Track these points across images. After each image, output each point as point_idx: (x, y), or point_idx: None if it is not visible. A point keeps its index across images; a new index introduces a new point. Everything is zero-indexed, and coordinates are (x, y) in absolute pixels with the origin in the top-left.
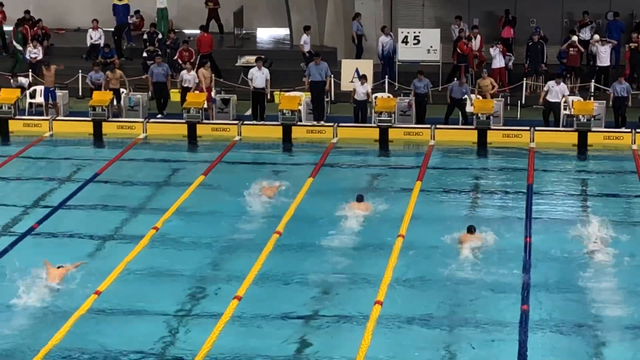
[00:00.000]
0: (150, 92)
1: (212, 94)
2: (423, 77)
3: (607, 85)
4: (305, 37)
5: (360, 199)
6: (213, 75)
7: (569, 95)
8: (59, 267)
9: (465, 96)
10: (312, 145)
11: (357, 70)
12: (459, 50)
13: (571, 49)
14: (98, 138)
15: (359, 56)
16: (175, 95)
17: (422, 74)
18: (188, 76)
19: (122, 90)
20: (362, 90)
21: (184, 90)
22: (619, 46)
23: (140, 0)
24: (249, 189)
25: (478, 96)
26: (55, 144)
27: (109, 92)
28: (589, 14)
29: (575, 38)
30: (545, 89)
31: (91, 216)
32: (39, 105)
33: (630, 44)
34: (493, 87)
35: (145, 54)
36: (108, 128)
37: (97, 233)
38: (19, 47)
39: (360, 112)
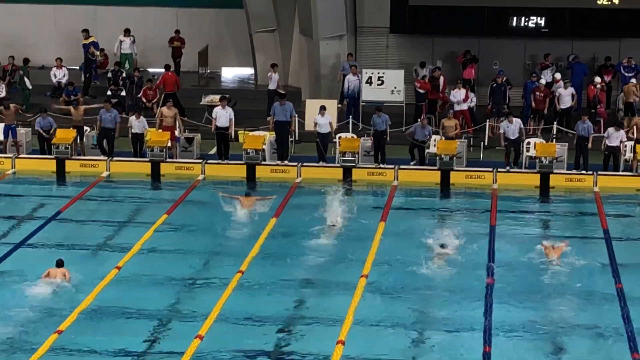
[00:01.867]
0: (95, 135)
1: (177, 132)
2: (382, 113)
3: (569, 127)
4: (272, 74)
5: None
6: (177, 114)
7: (532, 137)
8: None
9: (428, 136)
10: (276, 185)
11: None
12: (418, 88)
13: (537, 92)
14: (61, 176)
15: (342, 98)
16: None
17: (380, 110)
18: (136, 122)
19: (85, 128)
20: (323, 122)
21: (134, 137)
22: (580, 89)
23: (105, 39)
24: (212, 228)
25: (442, 137)
26: (17, 181)
27: (72, 129)
28: (550, 56)
29: (543, 81)
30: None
31: (52, 255)
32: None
33: (596, 84)
34: (456, 128)
35: (109, 92)
36: (71, 166)
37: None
38: None
39: (323, 145)
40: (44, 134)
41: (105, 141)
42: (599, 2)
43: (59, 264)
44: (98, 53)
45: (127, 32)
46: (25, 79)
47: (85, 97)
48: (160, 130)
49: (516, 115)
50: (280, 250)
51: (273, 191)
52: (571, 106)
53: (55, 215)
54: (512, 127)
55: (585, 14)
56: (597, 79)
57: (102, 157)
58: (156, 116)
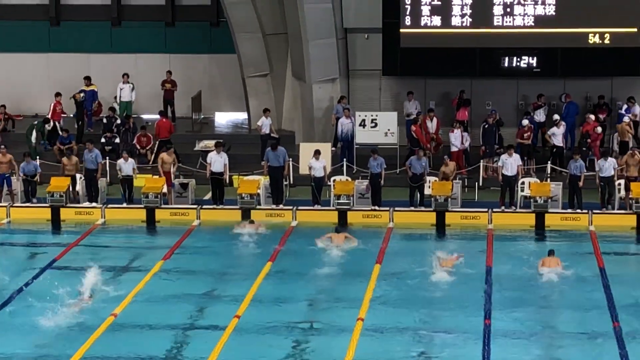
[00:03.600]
0: (82, 178)
1: (172, 178)
2: (377, 156)
3: (563, 166)
4: (263, 120)
5: None
6: (175, 159)
7: (526, 176)
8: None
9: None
10: (272, 229)
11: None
12: (413, 135)
13: (525, 133)
14: (56, 224)
15: (336, 140)
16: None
17: (375, 153)
18: (125, 165)
19: (78, 176)
20: (318, 165)
21: (123, 180)
22: (573, 128)
23: (100, 86)
24: (208, 273)
25: (436, 179)
26: (12, 231)
27: (67, 177)
28: (543, 96)
29: (525, 122)
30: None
31: (49, 303)
32: None
33: (589, 122)
34: (454, 171)
35: (103, 139)
36: (66, 214)
37: (56, 321)
38: None
39: (318, 188)
40: (28, 178)
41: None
42: (590, 41)
43: None
44: (82, 95)
45: (125, 76)
46: (35, 132)
47: (78, 145)
48: (157, 177)
49: None
50: (276, 293)
51: (269, 235)
52: (563, 146)
53: (51, 264)
54: (510, 160)
55: (577, 54)
56: (591, 117)
57: (96, 205)
58: (157, 162)
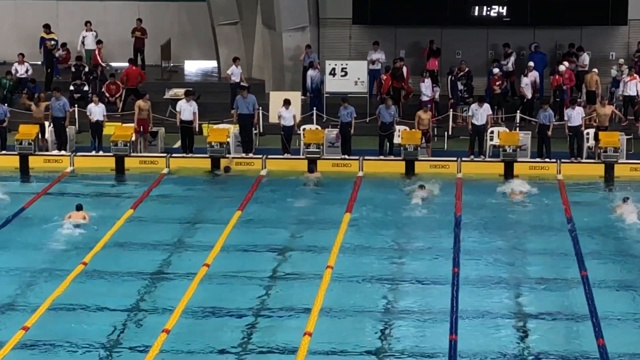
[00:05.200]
0: (50, 126)
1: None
2: (348, 105)
3: (532, 116)
4: (233, 68)
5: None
6: (150, 107)
7: (495, 125)
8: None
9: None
10: (241, 178)
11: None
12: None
13: (496, 81)
14: (24, 172)
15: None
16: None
17: (346, 102)
18: (96, 108)
19: (47, 123)
20: (288, 115)
21: (93, 126)
22: (541, 77)
23: (67, 33)
24: (177, 222)
25: (405, 128)
26: None
27: (35, 125)
28: (510, 46)
29: (496, 70)
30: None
31: (17, 251)
32: None
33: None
34: (429, 121)
35: (72, 87)
36: (35, 162)
37: (25, 267)
38: None
39: (287, 137)
40: None
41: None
42: None
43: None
44: (59, 49)
45: (88, 24)
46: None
47: (47, 93)
48: (126, 124)
49: None
50: (245, 242)
51: (239, 183)
52: (533, 95)
53: (19, 212)
54: (480, 111)
55: (547, 3)
56: (563, 67)
57: (64, 152)
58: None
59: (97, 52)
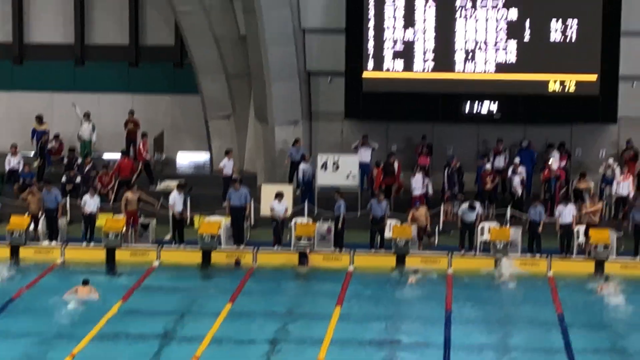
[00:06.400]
0: (40, 217)
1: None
2: (339, 198)
3: (522, 212)
4: (226, 161)
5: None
6: (141, 195)
7: (485, 221)
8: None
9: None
10: (231, 270)
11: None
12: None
13: (486, 176)
14: (15, 262)
15: (291, 181)
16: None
17: (338, 193)
18: (91, 200)
19: (40, 214)
20: (280, 208)
21: (87, 218)
22: (530, 174)
23: (60, 125)
24: (168, 314)
25: (397, 222)
26: None
27: (27, 216)
28: (502, 141)
29: (488, 166)
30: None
31: (7, 342)
32: None
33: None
34: (427, 216)
35: (64, 178)
36: (25, 253)
37: (11, 357)
38: None
39: (279, 230)
40: None
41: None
42: (550, 89)
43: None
44: (52, 140)
45: (87, 116)
46: None
47: (39, 184)
48: (117, 216)
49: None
50: (236, 334)
51: (230, 275)
52: (522, 192)
53: (8, 303)
54: (471, 215)
55: (538, 101)
56: (554, 164)
57: (55, 244)
58: (95, 204)
59: (141, 145)
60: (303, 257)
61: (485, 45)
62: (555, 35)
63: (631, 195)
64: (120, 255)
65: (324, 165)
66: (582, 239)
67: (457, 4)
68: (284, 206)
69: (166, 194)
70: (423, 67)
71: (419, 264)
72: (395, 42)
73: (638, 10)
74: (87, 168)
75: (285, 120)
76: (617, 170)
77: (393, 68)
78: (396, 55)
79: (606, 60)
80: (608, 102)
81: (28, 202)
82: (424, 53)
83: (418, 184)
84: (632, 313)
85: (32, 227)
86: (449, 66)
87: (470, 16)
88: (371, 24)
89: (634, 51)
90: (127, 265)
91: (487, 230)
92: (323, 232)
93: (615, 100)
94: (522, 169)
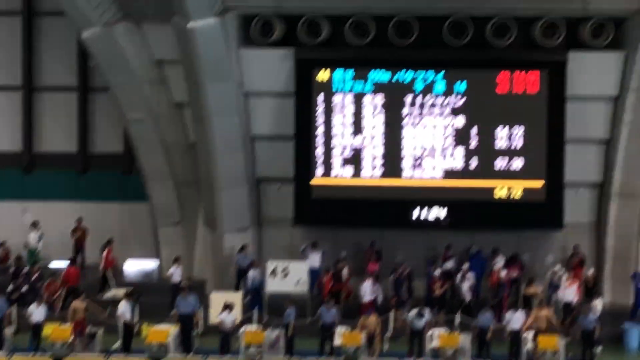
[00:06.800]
0: None
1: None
2: (290, 306)
3: (472, 317)
4: (174, 268)
5: None
6: (88, 305)
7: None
8: None
9: (334, 320)
10: None
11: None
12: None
13: (436, 283)
14: None
15: (237, 288)
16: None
17: (288, 302)
18: (37, 310)
19: None
20: (229, 319)
21: (34, 328)
22: (479, 280)
23: (6, 232)
24: None
25: (347, 328)
26: None
27: None
28: (451, 248)
29: (437, 272)
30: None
31: None
32: None
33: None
34: (377, 323)
35: (10, 287)
36: None
37: None
38: None
39: (227, 339)
40: None
41: None
42: (496, 196)
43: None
44: None
45: (34, 225)
46: None
47: None
48: (64, 326)
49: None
50: None
51: None
52: (470, 298)
53: None
54: (420, 322)
55: (485, 207)
56: (496, 267)
57: (0, 354)
58: (43, 312)
59: (106, 254)
60: None
61: (433, 151)
62: (501, 143)
63: (575, 301)
64: None
65: (274, 272)
66: (530, 345)
67: (405, 111)
68: (233, 318)
69: (114, 302)
70: (371, 173)
71: None
72: (344, 148)
73: (581, 118)
74: (34, 277)
75: (234, 227)
76: (564, 277)
77: (342, 174)
78: (345, 161)
79: (551, 166)
80: (554, 209)
81: None
82: (373, 159)
83: (367, 290)
84: None
85: None
86: (397, 172)
87: (418, 123)
88: (320, 130)
89: (578, 158)
90: None
91: (437, 336)
92: (272, 340)
93: (560, 207)
94: (470, 275)
